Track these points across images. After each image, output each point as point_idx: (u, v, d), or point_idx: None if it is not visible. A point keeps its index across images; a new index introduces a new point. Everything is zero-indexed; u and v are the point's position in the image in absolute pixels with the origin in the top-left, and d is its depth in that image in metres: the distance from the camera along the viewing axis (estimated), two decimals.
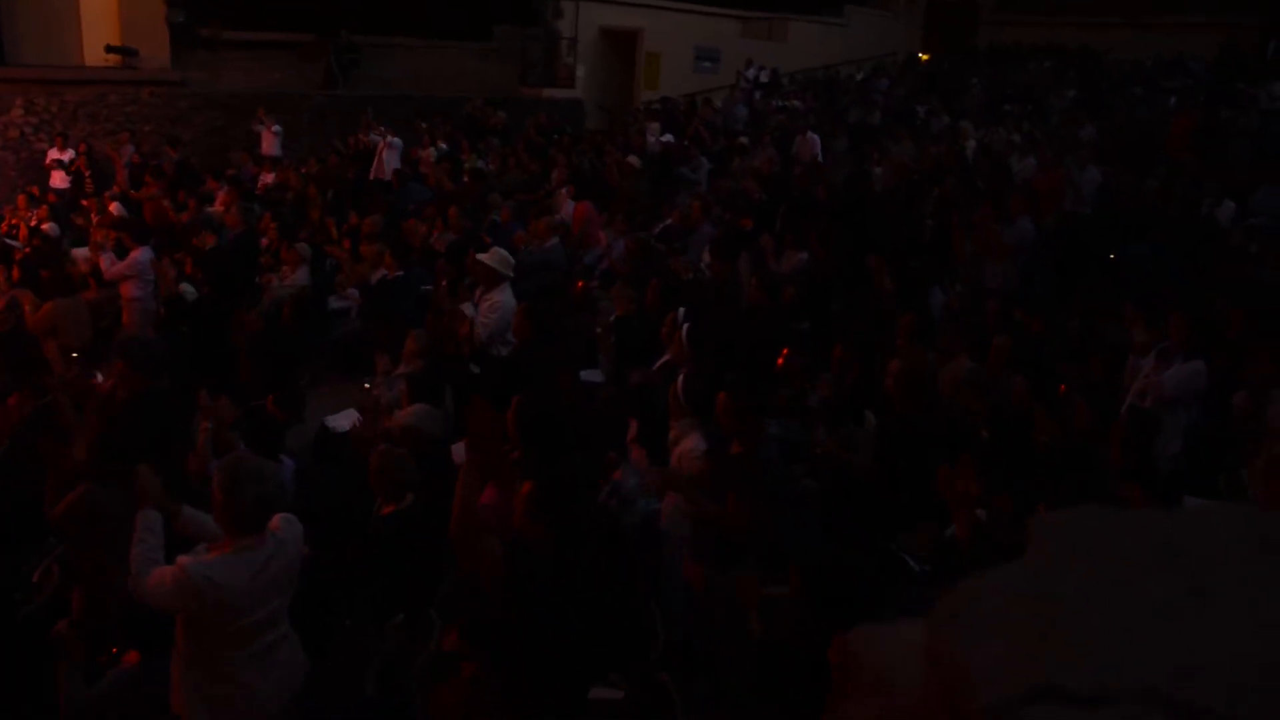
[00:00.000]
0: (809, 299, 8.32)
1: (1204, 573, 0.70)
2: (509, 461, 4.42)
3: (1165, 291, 7.46)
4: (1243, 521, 0.80)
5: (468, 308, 7.38)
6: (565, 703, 3.69)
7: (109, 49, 17.92)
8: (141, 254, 9.37)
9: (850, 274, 8.52)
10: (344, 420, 6.92)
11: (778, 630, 3.89)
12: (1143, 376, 6.16)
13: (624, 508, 5.08)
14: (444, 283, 9.23)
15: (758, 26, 26.27)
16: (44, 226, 12.73)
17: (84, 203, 15.48)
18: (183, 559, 3.60)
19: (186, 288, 9.55)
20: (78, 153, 16.49)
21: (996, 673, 0.65)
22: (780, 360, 6.64)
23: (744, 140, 15.68)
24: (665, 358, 6.58)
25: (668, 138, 16.18)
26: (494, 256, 7.47)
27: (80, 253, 11.29)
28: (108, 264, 9.49)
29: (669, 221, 11.40)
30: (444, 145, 16.43)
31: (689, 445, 4.91)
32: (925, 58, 28.58)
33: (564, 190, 12.71)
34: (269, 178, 15.53)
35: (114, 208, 12.33)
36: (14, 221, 13.79)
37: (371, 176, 15.23)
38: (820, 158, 14.86)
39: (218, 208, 12.45)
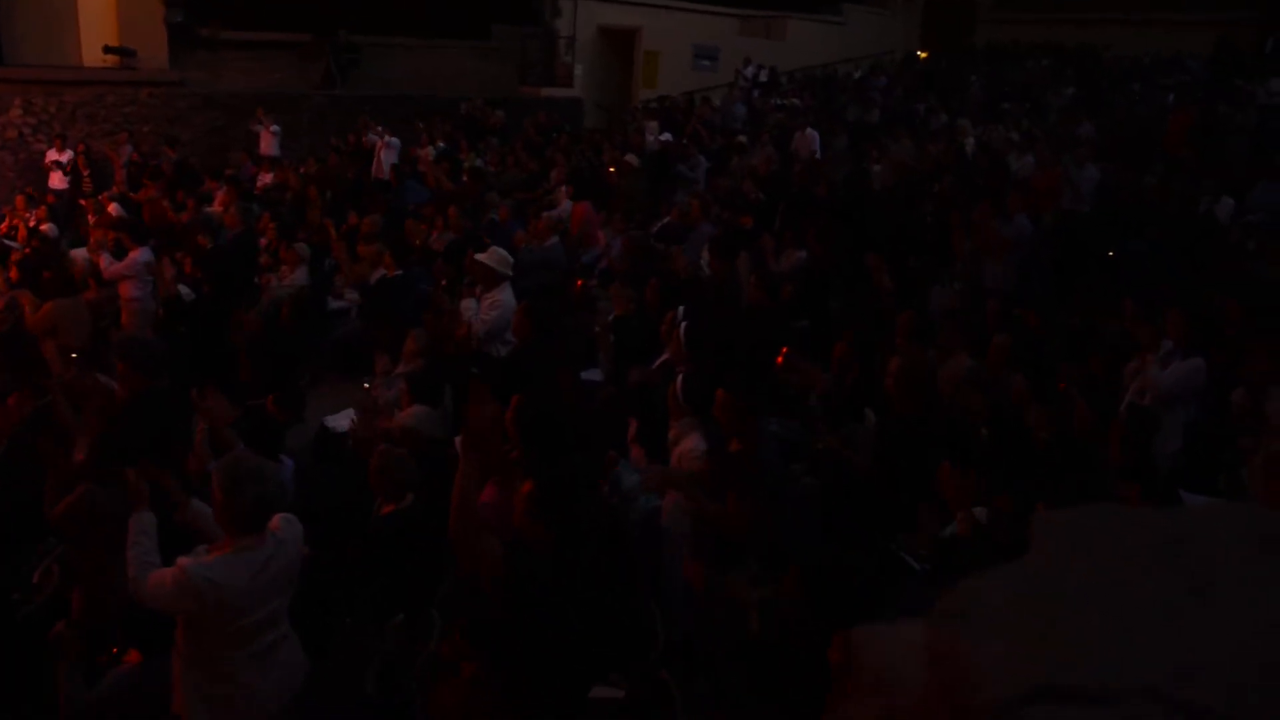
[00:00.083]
0: (808, 297, 8.32)
1: (1204, 572, 0.70)
2: (509, 459, 4.42)
3: (1164, 289, 7.46)
4: (1243, 520, 0.80)
5: (469, 305, 7.37)
6: (565, 702, 3.69)
7: (107, 49, 17.90)
8: (140, 254, 9.37)
9: (849, 272, 8.53)
10: (343, 420, 6.92)
11: (775, 630, 3.89)
12: (1142, 374, 6.15)
13: (623, 506, 5.08)
14: (443, 282, 9.23)
15: (756, 25, 26.27)
16: (43, 227, 12.72)
17: (82, 202, 15.48)
18: (182, 560, 3.60)
19: (183, 289, 9.55)
20: (76, 153, 16.48)
21: (998, 672, 0.65)
22: (780, 359, 6.64)
23: (743, 139, 15.68)
24: (664, 357, 6.58)
25: (666, 136, 16.18)
26: (492, 256, 7.47)
27: (79, 253, 11.28)
28: (106, 264, 9.49)
29: (666, 220, 11.40)
30: (442, 144, 16.43)
31: (689, 445, 4.90)
32: (924, 56, 28.57)
33: (563, 189, 12.71)
34: (268, 178, 15.52)
35: (112, 208, 12.32)
36: (13, 222, 13.78)
37: (371, 176, 15.24)
38: (819, 154, 14.87)
39: (216, 208, 12.45)
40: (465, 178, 13.82)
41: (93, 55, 17.89)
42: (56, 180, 16.16)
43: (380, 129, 16.38)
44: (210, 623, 3.62)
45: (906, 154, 13.55)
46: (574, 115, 21.88)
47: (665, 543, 4.96)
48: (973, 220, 9.10)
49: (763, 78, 22.90)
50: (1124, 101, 18.84)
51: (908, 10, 31.18)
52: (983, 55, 27.67)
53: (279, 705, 3.84)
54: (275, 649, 3.82)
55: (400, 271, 9.11)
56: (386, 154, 15.42)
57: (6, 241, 12.55)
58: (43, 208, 14.19)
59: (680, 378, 5.17)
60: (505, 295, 7.38)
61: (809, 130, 15.68)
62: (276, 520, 3.78)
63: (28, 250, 11.75)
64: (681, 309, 6.60)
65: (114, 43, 17.92)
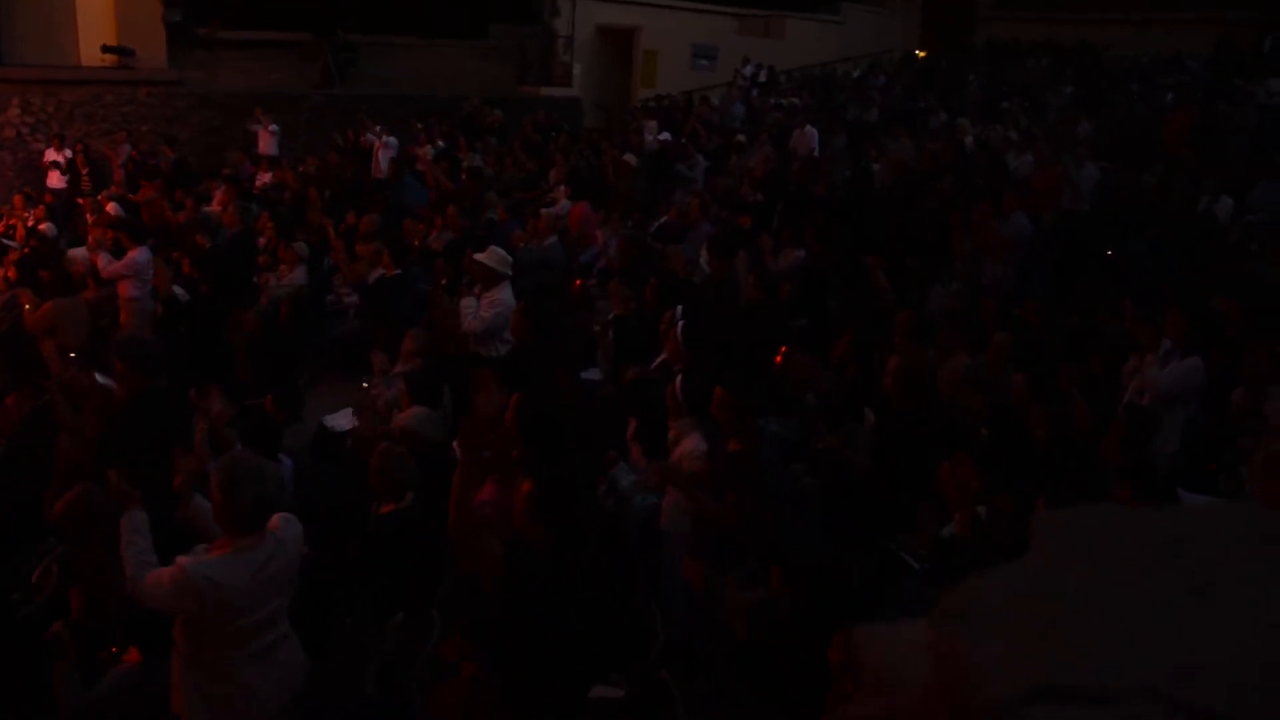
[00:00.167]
0: (806, 296, 8.32)
1: (1204, 572, 0.70)
2: (509, 458, 4.42)
3: (1164, 288, 7.46)
4: (1242, 520, 0.80)
5: (469, 304, 7.37)
6: (565, 702, 3.69)
7: (105, 49, 17.88)
8: (139, 254, 9.37)
9: (848, 271, 8.53)
10: (342, 419, 6.92)
11: (766, 631, 3.90)
12: (1141, 374, 6.15)
13: (620, 505, 5.08)
14: (442, 282, 9.23)
15: (755, 24, 26.27)
16: (41, 226, 12.71)
17: (80, 201, 15.47)
18: (182, 559, 3.59)
19: (177, 290, 9.55)
20: (74, 152, 16.47)
21: (998, 672, 0.65)
22: (778, 359, 6.65)
23: (741, 138, 15.68)
24: (662, 356, 6.58)
25: (665, 136, 16.18)
26: (491, 256, 7.46)
27: (77, 252, 11.27)
28: (104, 263, 9.49)
29: (664, 219, 11.41)
30: (441, 143, 16.43)
31: (689, 446, 4.90)
32: (922, 55, 28.57)
33: (562, 188, 12.71)
34: (266, 177, 15.52)
35: (111, 207, 12.32)
36: (11, 222, 13.78)
37: (369, 176, 15.24)
38: (817, 152, 14.88)
39: (215, 207, 12.44)
40: (464, 177, 13.82)
41: (91, 55, 17.88)
42: (54, 180, 16.15)
43: (378, 129, 16.38)
44: (210, 622, 3.62)
45: (905, 153, 13.55)
46: (573, 115, 21.88)
47: (665, 542, 4.95)
48: (972, 220, 9.10)
49: (761, 78, 22.90)
50: (1123, 101, 18.84)
51: (907, 9, 31.18)
52: (982, 54, 27.67)
53: (279, 705, 3.84)
54: (275, 649, 3.82)
55: (399, 271, 9.11)
56: (384, 154, 15.41)
57: (5, 241, 12.55)
58: (41, 207, 14.18)
59: (679, 377, 5.16)
60: (505, 294, 7.37)
61: (808, 128, 15.68)
62: (276, 520, 3.78)
63: (26, 250, 11.74)
64: (679, 308, 6.60)
65: (112, 42, 17.90)
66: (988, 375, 6.46)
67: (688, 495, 4.66)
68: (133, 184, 15.11)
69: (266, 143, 17.16)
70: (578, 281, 9.23)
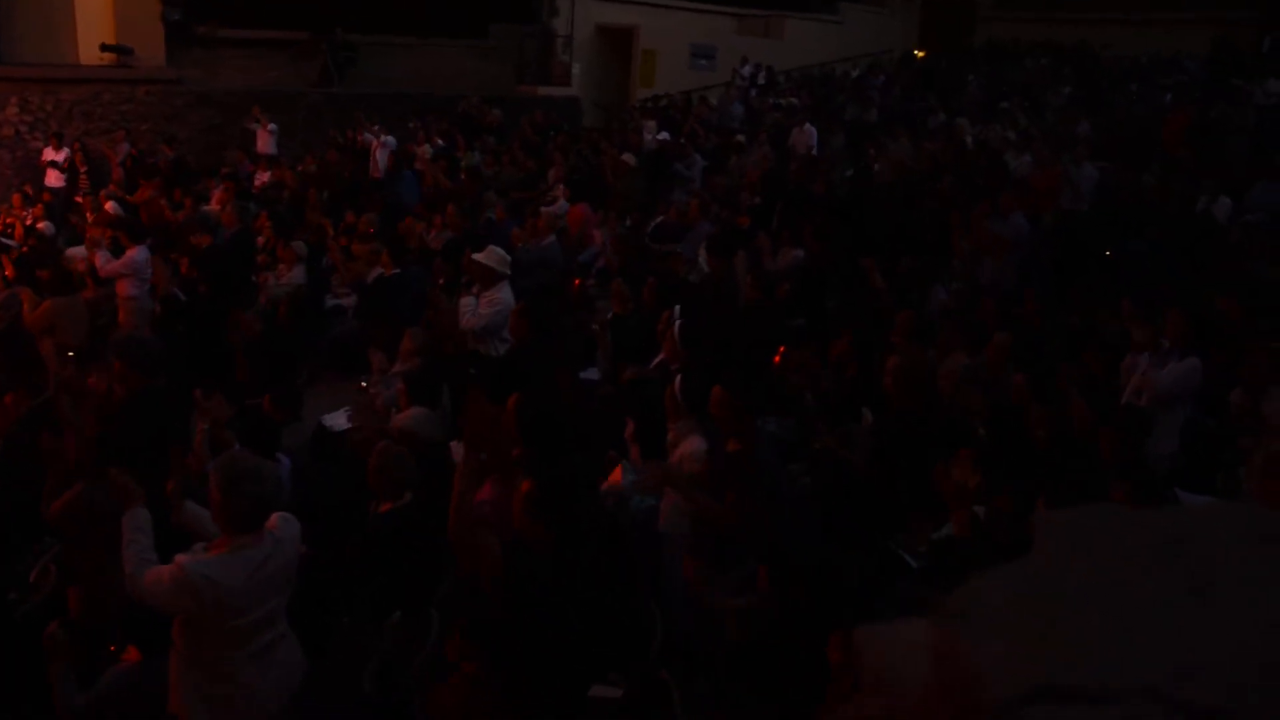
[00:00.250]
0: (804, 296, 8.32)
1: (1204, 572, 0.70)
2: (509, 459, 4.42)
3: (1163, 288, 7.46)
4: (1242, 520, 0.80)
5: (468, 303, 7.37)
6: (564, 701, 3.69)
7: (104, 47, 17.87)
8: (137, 253, 9.36)
9: (847, 271, 8.53)
10: (340, 419, 6.92)
11: (763, 632, 3.90)
12: (1139, 374, 6.15)
13: (619, 506, 5.08)
14: (441, 281, 9.22)
15: (753, 24, 26.27)
16: (39, 225, 12.71)
17: (78, 199, 15.47)
18: (180, 558, 3.59)
19: (174, 292, 9.54)
20: (72, 151, 16.47)
21: (999, 672, 0.65)
22: (777, 358, 6.65)
23: (740, 138, 15.69)
24: (660, 356, 6.57)
25: (664, 135, 16.19)
26: (490, 255, 7.46)
27: (76, 251, 11.27)
28: (103, 262, 9.48)
29: (660, 219, 11.42)
30: (440, 142, 16.43)
31: (689, 448, 4.89)
32: (921, 55, 28.58)
33: (561, 188, 12.71)
34: (265, 176, 15.52)
35: (109, 206, 12.31)
36: (9, 220, 13.77)
37: (367, 175, 15.25)
38: (815, 150, 14.90)
39: (214, 206, 12.44)
40: (462, 176, 13.83)
41: (90, 53, 17.87)
42: (53, 178, 16.15)
43: (376, 128, 16.39)
44: (208, 622, 3.61)
45: (904, 153, 13.56)
46: (571, 114, 21.87)
47: (665, 543, 4.95)
48: (970, 219, 9.11)
49: (760, 79, 22.89)
50: (1122, 101, 18.85)
51: (906, 9, 31.19)
52: (981, 54, 27.68)
53: (278, 705, 3.84)
54: (274, 648, 3.82)
55: (397, 270, 9.11)
56: (382, 153, 15.42)
57: (3, 240, 12.54)
58: (39, 206, 14.17)
59: (679, 378, 5.15)
60: (504, 294, 7.37)
61: (807, 126, 15.70)
62: (274, 519, 3.77)
63: (24, 248, 11.74)
64: (677, 308, 6.60)
65: (111, 41, 17.89)
66: (987, 375, 6.47)
67: (687, 496, 4.66)
68: (131, 182, 15.11)
69: (265, 142, 17.15)
70: (576, 281, 9.23)
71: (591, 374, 7.41)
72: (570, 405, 5.49)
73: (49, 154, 16.34)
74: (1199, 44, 22.88)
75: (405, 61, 21.29)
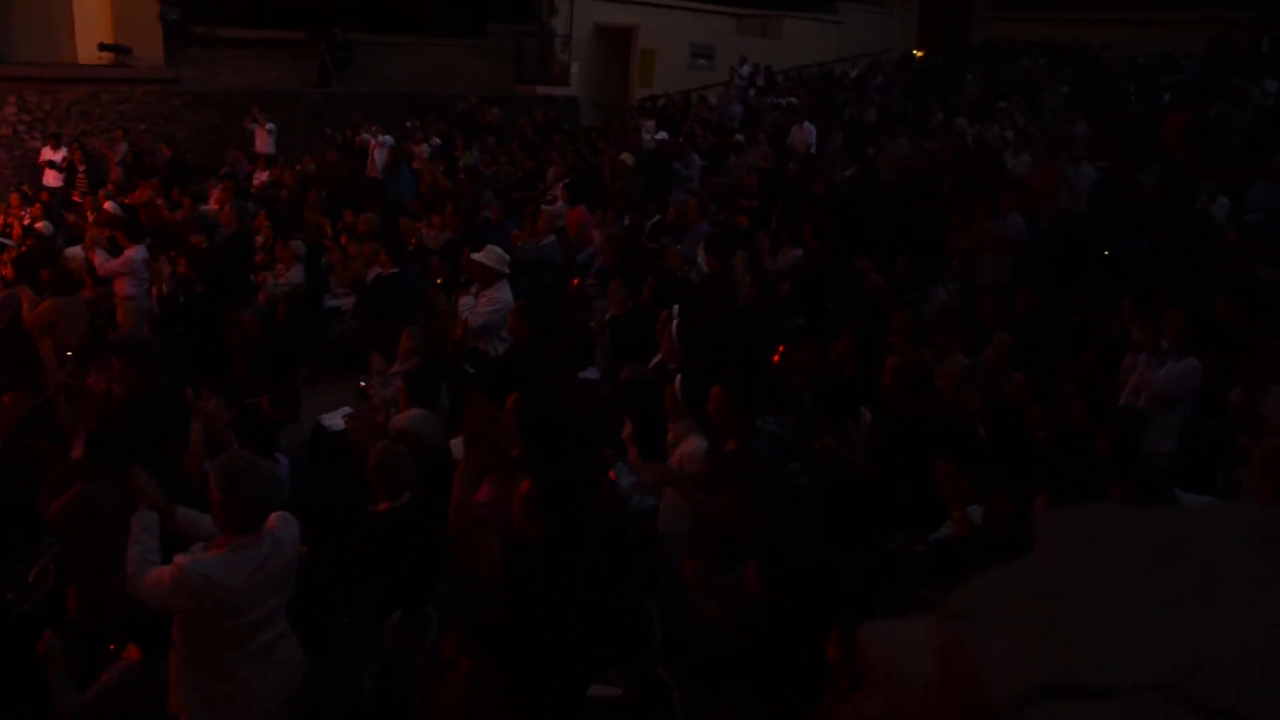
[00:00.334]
0: (804, 295, 8.33)
1: (1207, 571, 0.70)
2: (508, 458, 4.42)
3: (1163, 288, 7.47)
4: (1244, 519, 0.80)
5: (467, 302, 7.37)
6: (564, 700, 3.69)
7: (102, 47, 17.87)
8: (136, 252, 9.37)
9: (846, 270, 8.54)
10: (339, 418, 6.92)
11: (758, 634, 3.90)
12: (1138, 374, 6.15)
13: (618, 505, 5.08)
14: (439, 281, 9.22)
15: (752, 24, 26.28)
16: (38, 225, 12.70)
17: (74, 197, 15.47)
18: (180, 558, 3.59)
19: (173, 291, 9.54)
20: (70, 151, 16.46)
21: (1004, 669, 0.65)
22: (776, 358, 6.65)
23: (740, 138, 15.69)
24: (659, 356, 6.57)
25: (662, 135, 16.19)
26: (489, 255, 7.47)
27: (74, 251, 11.27)
28: (101, 261, 9.48)
29: (657, 218, 11.42)
30: (438, 141, 16.44)
31: (689, 448, 4.89)
32: (920, 54, 28.59)
33: (559, 188, 12.72)
34: (263, 176, 15.52)
35: (108, 206, 12.31)
36: (8, 220, 13.76)
37: (365, 175, 15.25)
38: (814, 148, 14.91)
39: (212, 205, 12.44)
40: (461, 176, 13.83)
41: (88, 53, 17.87)
42: (50, 178, 16.15)
43: (374, 128, 16.40)
44: (208, 621, 3.61)
45: (903, 153, 13.57)
46: (570, 113, 21.88)
47: (664, 542, 4.96)
48: (969, 219, 9.12)
49: (759, 81, 22.90)
50: (1120, 101, 18.86)
51: (904, 9, 31.20)
52: (979, 54, 27.68)
53: (278, 704, 3.84)
54: (273, 648, 3.82)
55: (396, 270, 9.11)
56: (380, 153, 15.43)
57: (1, 239, 12.54)
58: (37, 205, 14.16)
59: (679, 378, 5.15)
60: (503, 293, 7.38)
61: (806, 123, 15.71)
62: (274, 519, 3.77)
63: (23, 248, 11.74)
64: (676, 307, 6.60)
65: (109, 40, 17.89)
66: (987, 375, 6.47)
67: (687, 496, 4.66)
68: (130, 182, 15.11)
69: (263, 141, 17.15)
70: (575, 281, 9.23)
71: (591, 374, 7.41)
72: (569, 405, 5.49)
73: (47, 154, 16.34)
74: (1198, 44, 22.89)
75: (404, 61, 21.29)
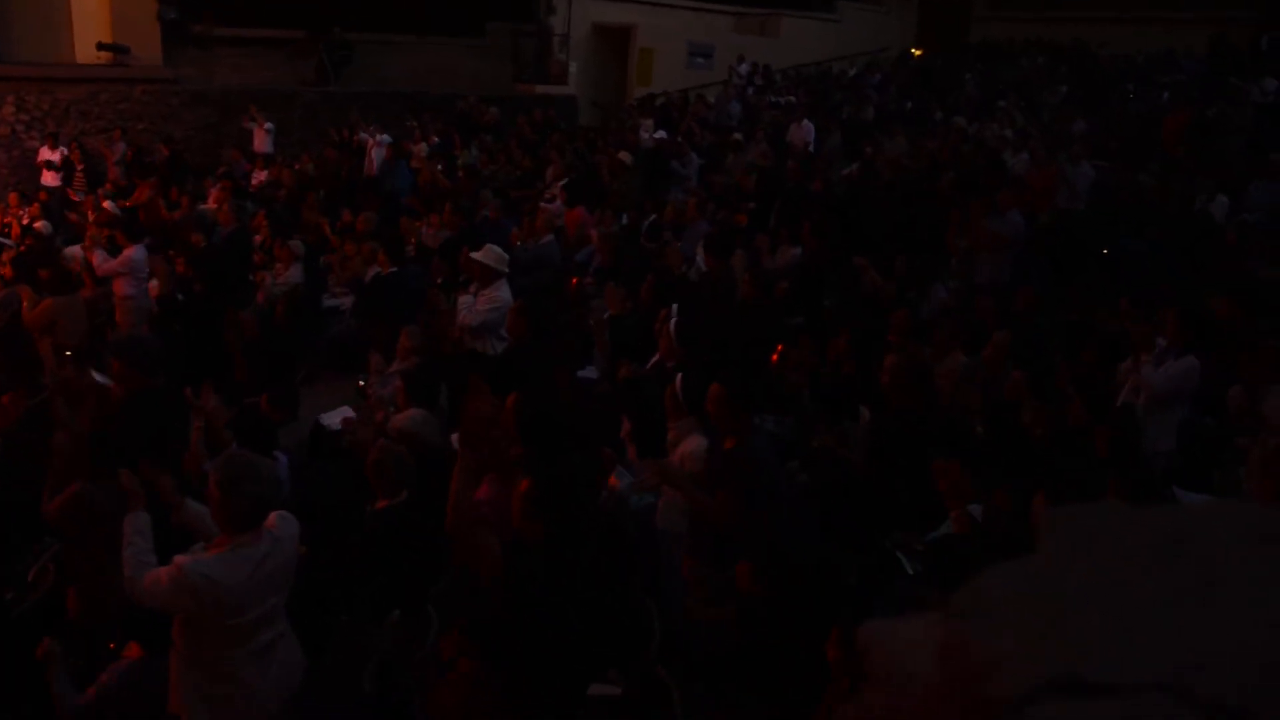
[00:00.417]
0: (802, 294, 8.33)
1: (1208, 569, 0.70)
2: (508, 457, 4.42)
3: (1162, 288, 7.48)
4: (1245, 518, 0.80)
5: (466, 301, 7.37)
6: (564, 700, 3.69)
7: (101, 46, 17.86)
8: (135, 252, 9.36)
9: (844, 268, 8.54)
10: (338, 417, 6.92)
11: (755, 634, 3.91)
12: (1137, 373, 6.15)
13: (617, 505, 5.08)
14: (439, 280, 9.22)
15: (751, 22, 26.27)
16: (37, 224, 12.69)
17: (72, 196, 15.45)
18: (179, 558, 3.59)
19: (172, 291, 9.54)
20: (69, 150, 16.45)
21: (1007, 667, 0.65)
22: (775, 356, 6.65)
23: (738, 136, 15.70)
24: (658, 355, 6.57)
25: (661, 134, 16.19)
26: (488, 254, 7.47)
27: (73, 250, 11.26)
28: (100, 261, 9.47)
29: (654, 217, 11.42)
30: (436, 139, 16.43)
31: (690, 447, 4.88)
32: (918, 53, 28.60)
33: (558, 186, 12.72)
34: (261, 175, 15.51)
35: (107, 205, 12.31)
36: (6, 220, 13.75)
37: (363, 174, 15.24)
38: (812, 145, 14.92)
39: (210, 205, 12.43)
40: (460, 174, 13.83)
41: (86, 52, 17.85)
42: (48, 179, 16.13)
43: (372, 127, 16.39)
44: (208, 621, 3.62)
45: (901, 151, 13.58)
46: (569, 113, 21.88)
47: (663, 542, 4.96)
48: (968, 217, 9.13)
49: (757, 80, 22.90)
50: (1119, 100, 18.87)
51: (903, 8, 31.21)
52: (977, 53, 27.70)
53: (278, 704, 3.84)
54: (273, 647, 3.82)
55: (394, 269, 9.11)
56: (378, 152, 15.43)
57: (1, 238, 12.54)
58: (35, 205, 14.15)
59: (680, 377, 5.15)
60: (502, 292, 7.38)
61: (804, 121, 15.72)
62: (273, 518, 3.77)
63: (22, 247, 11.73)
64: (675, 306, 6.60)
65: (107, 39, 17.88)
66: (986, 373, 6.48)
67: (686, 495, 4.66)
68: (129, 181, 15.10)
69: (261, 141, 17.14)
70: (574, 280, 9.23)
71: (590, 372, 7.41)
72: (568, 404, 5.49)
73: (45, 154, 16.32)
74: (1197, 43, 22.91)
75: (402, 60, 21.28)
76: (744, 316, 7.41)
